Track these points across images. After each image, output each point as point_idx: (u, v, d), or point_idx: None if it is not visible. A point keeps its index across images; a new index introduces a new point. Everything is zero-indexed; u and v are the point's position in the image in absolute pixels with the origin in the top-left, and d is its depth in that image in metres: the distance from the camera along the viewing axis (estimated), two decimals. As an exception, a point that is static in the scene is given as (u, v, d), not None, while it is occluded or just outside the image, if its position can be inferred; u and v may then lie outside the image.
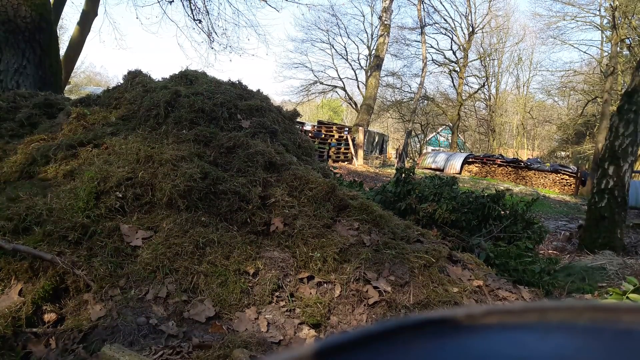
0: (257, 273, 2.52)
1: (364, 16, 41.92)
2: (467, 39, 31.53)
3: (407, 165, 14.67)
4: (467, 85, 32.99)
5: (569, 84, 28.50)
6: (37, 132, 3.50)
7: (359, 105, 27.87)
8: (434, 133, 38.92)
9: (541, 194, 14.57)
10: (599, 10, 22.36)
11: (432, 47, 31.80)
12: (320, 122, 19.87)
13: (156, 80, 4.08)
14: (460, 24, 35.75)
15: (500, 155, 24.15)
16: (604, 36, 23.54)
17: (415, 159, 28.22)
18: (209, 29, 13.96)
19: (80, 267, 2.28)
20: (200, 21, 13.60)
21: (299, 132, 4.26)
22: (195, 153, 3.11)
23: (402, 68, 45.36)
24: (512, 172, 20.37)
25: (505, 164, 20.80)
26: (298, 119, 4.62)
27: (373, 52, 27.28)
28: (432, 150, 32.38)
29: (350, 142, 18.56)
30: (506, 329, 0.32)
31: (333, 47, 32.53)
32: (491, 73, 33.73)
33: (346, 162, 17.99)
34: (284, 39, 77.80)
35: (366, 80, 26.06)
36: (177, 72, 4.12)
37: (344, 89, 32.90)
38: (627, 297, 2.49)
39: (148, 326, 2.06)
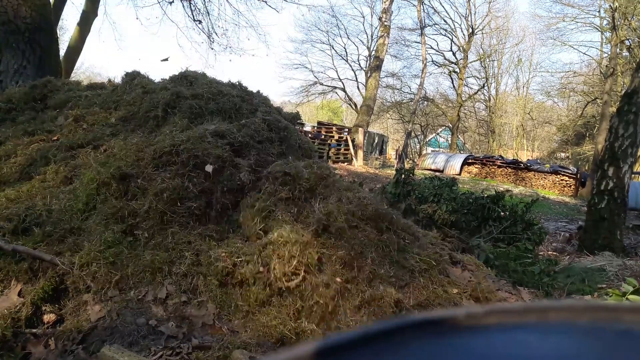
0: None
1: (363, 17, 41.83)
2: (466, 40, 31.55)
3: (407, 166, 14.66)
4: (466, 86, 33.03)
5: (568, 85, 28.54)
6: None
7: (358, 106, 27.85)
8: (434, 134, 38.91)
9: (541, 195, 14.57)
10: (599, 11, 22.42)
11: (431, 48, 31.81)
12: (320, 123, 19.87)
13: (156, 81, 4.08)
14: (460, 25, 35.64)
15: (500, 156, 24.18)
16: (604, 37, 23.59)
17: (415, 160, 28.23)
18: (209, 30, 13.98)
19: (80, 267, 2.28)
20: (200, 22, 13.61)
21: (298, 133, 4.25)
22: (195, 154, 3.10)
23: (402, 69, 45.48)
24: (512, 173, 20.37)
25: (505, 165, 20.80)
26: (298, 120, 4.61)
27: (373, 53, 27.27)
28: (432, 151, 32.38)
29: (350, 143, 18.56)
30: (506, 329, 0.32)
31: (333, 48, 32.50)
32: (491, 74, 33.79)
33: (346, 163, 17.98)
34: (284, 39, 77.95)
35: (366, 81, 26.06)
36: (177, 73, 4.12)
37: (343, 90, 32.87)
38: (627, 299, 2.49)
39: (147, 327, 2.06)
